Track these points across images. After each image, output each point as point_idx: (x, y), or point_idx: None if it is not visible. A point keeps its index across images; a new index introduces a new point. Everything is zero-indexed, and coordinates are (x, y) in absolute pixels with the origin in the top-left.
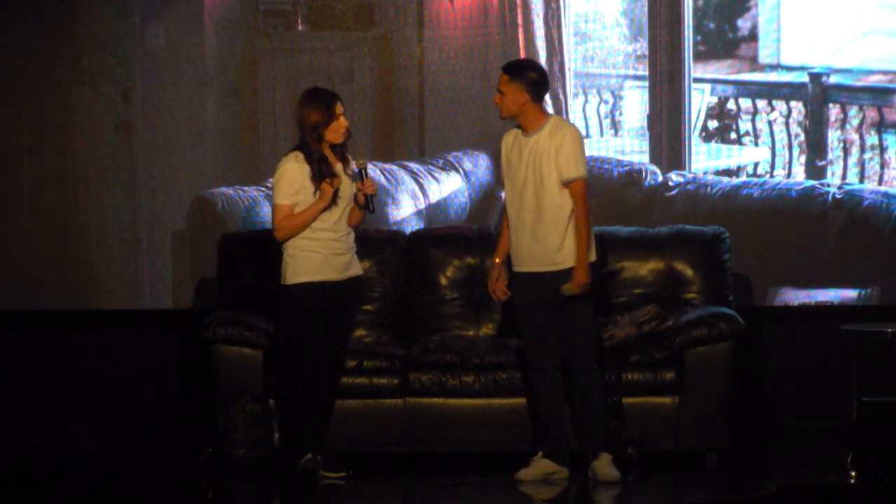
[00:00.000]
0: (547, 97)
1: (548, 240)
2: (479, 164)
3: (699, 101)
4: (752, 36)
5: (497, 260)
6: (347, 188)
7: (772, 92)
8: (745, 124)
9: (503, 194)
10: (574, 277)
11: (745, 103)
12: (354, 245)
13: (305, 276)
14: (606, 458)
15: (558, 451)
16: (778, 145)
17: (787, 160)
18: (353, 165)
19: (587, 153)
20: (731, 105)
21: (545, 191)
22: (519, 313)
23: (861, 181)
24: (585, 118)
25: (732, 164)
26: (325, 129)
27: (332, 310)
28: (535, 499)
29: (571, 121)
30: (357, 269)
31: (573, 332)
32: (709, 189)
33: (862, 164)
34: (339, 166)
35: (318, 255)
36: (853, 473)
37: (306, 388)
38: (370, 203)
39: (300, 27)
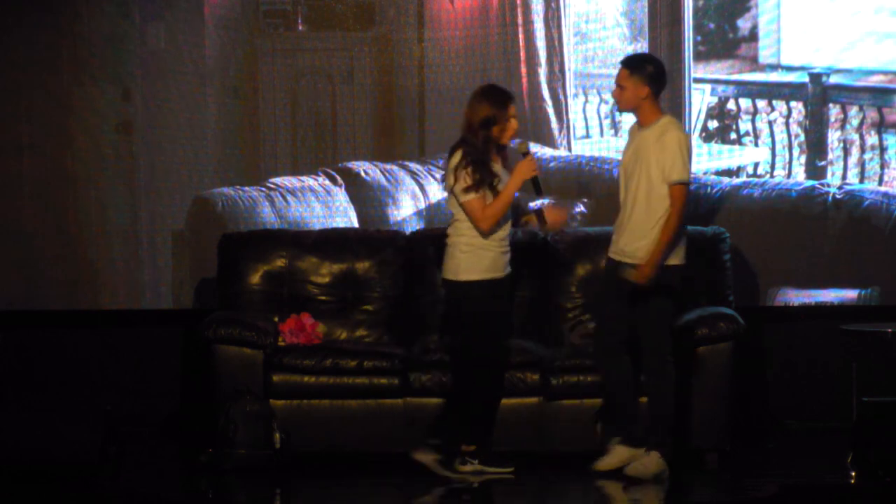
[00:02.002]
0: (547, 97)
1: (635, 232)
2: None
3: (699, 101)
4: (753, 36)
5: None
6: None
7: (772, 92)
8: (745, 124)
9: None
10: (639, 266)
11: (746, 103)
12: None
13: (480, 274)
14: (655, 454)
15: (634, 434)
16: (778, 145)
17: (787, 160)
18: (517, 150)
19: (587, 153)
20: (731, 105)
21: (641, 185)
22: (596, 295)
23: (861, 181)
24: (585, 118)
25: (733, 164)
26: (495, 127)
27: (498, 306)
28: (532, 497)
29: (571, 121)
30: (509, 266)
31: (647, 328)
32: (709, 189)
33: (862, 165)
34: (498, 166)
35: (492, 253)
36: (853, 473)
37: (486, 383)
38: (537, 185)
39: (300, 27)
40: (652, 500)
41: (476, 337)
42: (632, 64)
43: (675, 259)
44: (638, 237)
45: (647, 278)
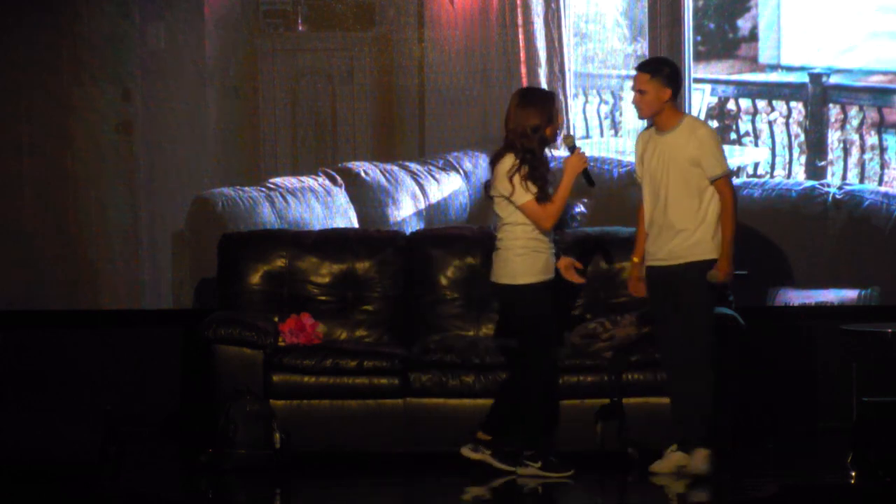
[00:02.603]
0: None
1: (684, 234)
2: (479, 165)
3: (699, 101)
4: (753, 36)
5: (635, 259)
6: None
7: (772, 92)
8: (745, 125)
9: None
10: (719, 266)
11: (746, 103)
12: None
13: (536, 276)
14: (703, 452)
15: (689, 442)
16: (778, 146)
17: (787, 160)
18: (563, 144)
19: (587, 153)
20: (731, 105)
21: (678, 188)
22: (652, 308)
23: (861, 181)
24: (585, 118)
25: (733, 164)
26: (547, 129)
27: (551, 308)
28: (532, 497)
29: (571, 121)
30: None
31: (691, 324)
32: None
33: (862, 165)
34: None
35: (545, 255)
36: (853, 473)
37: (544, 386)
38: (588, 177)
39: (300, 27)
40: (652, 500)
41: (533, 340)
42: (650, 68)
43: (714, 254)
44: (688, 237)
45: (728, 275)
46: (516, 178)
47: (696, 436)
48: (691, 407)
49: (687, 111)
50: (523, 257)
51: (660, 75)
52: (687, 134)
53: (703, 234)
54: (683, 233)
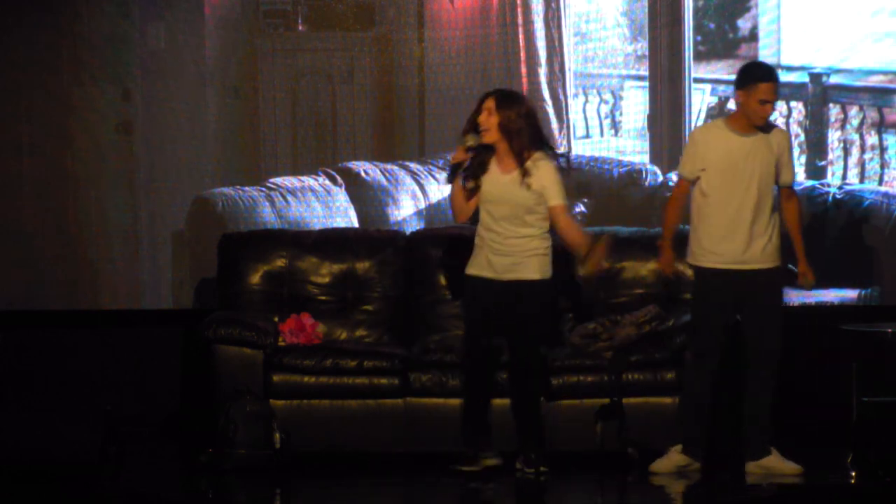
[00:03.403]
0: (547, 97)
1: (764, 239)
2: None
3: (699, 101)
4: (753, 36)
5: (667, 242)
6: (500, 188)
7: None
8: None
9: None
10: (801, 270)
11: None
12: (534, 250)
13: (469, 269)
14: (776, 453)
15: (694, 444)
16: None
17: None
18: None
19: (587, 153)
20: (731, 105)
21: (758, 190)
22: (704, 309)
23: (861, 181)
24: (585, 118)
25: None
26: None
27: (493, 308)
28: (534, 498)
29: (571, 121)
30: (525, 273)
31: (765, 329)
32: None
33: (862, 165)
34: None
35: (481, 250)
36: (853, 473)
37: (467, 380)
38: (453, 171)
39: (300, 27)
40: (652, 500)
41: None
42: (741, 80)
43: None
44: (766, 242)
45: (810, 274)
46: (558, 182)
47: (768, 438)
48: (768, 410)
49: (687, 111)
50: (547, 256)
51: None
52: (766, 138)
53: (778, 240)
54: (768, 237)
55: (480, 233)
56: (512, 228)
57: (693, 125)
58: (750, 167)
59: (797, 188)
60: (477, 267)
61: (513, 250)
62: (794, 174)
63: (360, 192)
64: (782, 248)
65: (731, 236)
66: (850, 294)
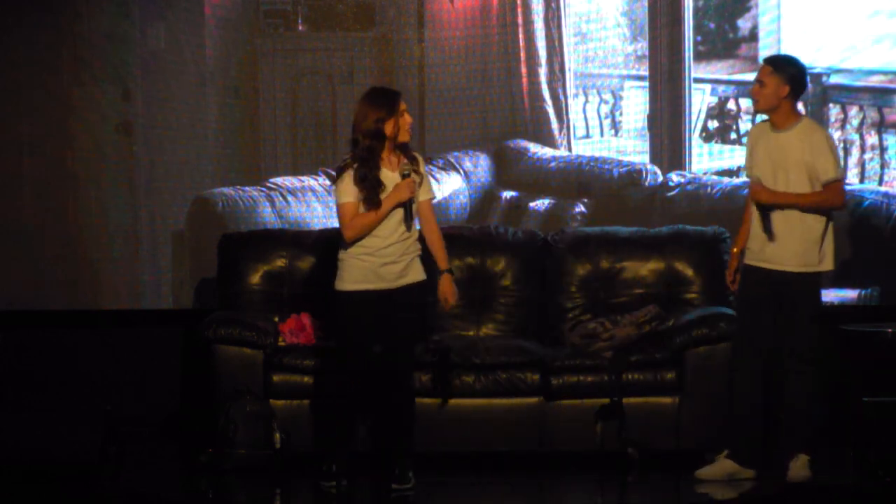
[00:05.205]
0: (547, 97)
1: (786, 239)
2: (479, 164)
3: (699, 101)
4: (753, 36)
5: (735, 250)
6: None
7: None
8: (745, 124)
9: (503, 194)
10: (760, 188)
11: (746, 103)
12: (414, 251)
13: (350, 285)
14: (803, 458)
15: (743, 451)
16: None
17: None
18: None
19: (587, 153)
20: (731, 105)
21: (785, 188)
22: (744, 305)
23: (861, 181)
24: (585, 118)
25: (733, 164)
26: (383, 126)
27: (380, 318)
28: (531, 498)
29: (571, 121)
30: (415, 275)
31: (797, 331)
32: (709, 189)
33: (862, 165)
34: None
35: (365, 263)
36: (853, 473)
37: (351, 394)
38: (409, 212)
39: (300, 27)
40: (652, 500)
41: (346, 349)
42: (775, 62)
43: (826, 265)
44: (795, 245)
45: (768, 197)
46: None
47: (798, 442)
48: (795, 415)
49: (687, 111)
50: (342, 262)
51: (782, 72)
52: (801, 136)
53: (806, 243)
54: (794, 236)
55: (364, 244)
56: (400, 231)
57: (693, 125)
58: (773, 164)
59: None
60: (363, 281)
61: (401, 255)
62: (831, 169)
63: None
64: (828, 253)
65: (762, 237)
66: (850, 294)
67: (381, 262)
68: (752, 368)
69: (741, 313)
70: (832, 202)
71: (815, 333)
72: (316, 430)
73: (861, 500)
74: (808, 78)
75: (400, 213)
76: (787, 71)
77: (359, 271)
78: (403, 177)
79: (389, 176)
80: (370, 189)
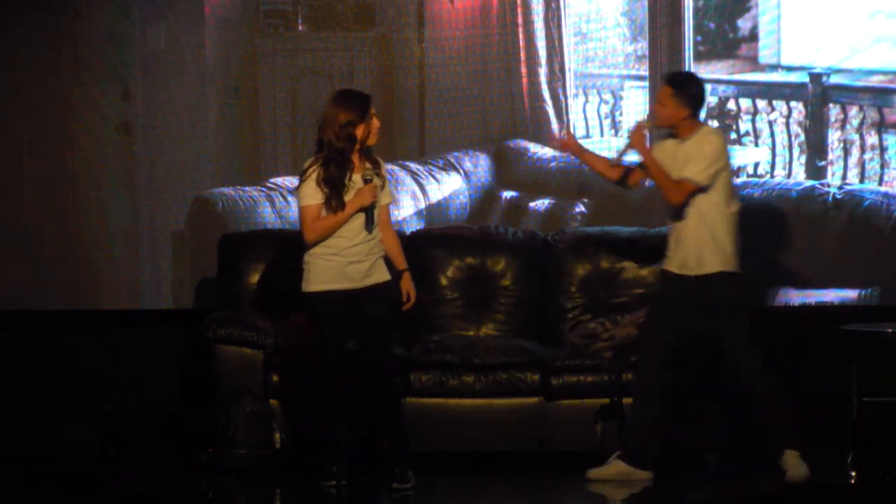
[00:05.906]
0: (547, 97)
1: (694, 244)
2: (479, 164)
3: None
4: (753, 36)
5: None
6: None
7: (772, 92)
8: (745, 124)
9: (503, 194)
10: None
11: (746, 103)
12: (379, 251)
13: (317, 286)
14: (792, 454)
15: (635, 453)
16: (778, 145)
17: (787, 160)
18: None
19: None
20: (731, 105)
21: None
22: (653, 309)
23: (861, 181)
24: (585, 118)
25: (733, 164)
26: (354, 129)
27: (352, 319)
28: (531, 498)
29: (571, 121)
30: (380, 275)
31: (728, 339)
32: None
33: (862, 165)
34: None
35: (331, 263)
36: (853, 473)
37: (330, 395)
38: (370, 218)
39: (300, 27)
40: (652, 500)
41: (320, 350)
42: (676, 84)
43: (727, 265)
44: (698, 247)
45: (569, 143)
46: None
47: (781, 439)
48: (764, 416)
49: None
50: (307, 265)
51: (682, 95)
52: (696, 142)
53: (709, 246)
54: (703, 241)
55: (329, 244)
56: (364, 233)
57: None
58: (676, 172)
59: (798, 188)
60: (330, 281)
61: (366, 254)
62: (698, 173)
63: None
64: (727, 255)
65: (676, 242)
66: (850, 294)
67: (346, 261)
68: (655, 368)
69: (649, 312)
70: (670, 194)
71: (737, 332)
72: (316, 430)
73: (861, 500)
74: (707, 90)
75: (362, 215)
76: (687, 92)
77: (325, 271)
78: (366, 181)
79: (353, 179)
80: (335, 191)
